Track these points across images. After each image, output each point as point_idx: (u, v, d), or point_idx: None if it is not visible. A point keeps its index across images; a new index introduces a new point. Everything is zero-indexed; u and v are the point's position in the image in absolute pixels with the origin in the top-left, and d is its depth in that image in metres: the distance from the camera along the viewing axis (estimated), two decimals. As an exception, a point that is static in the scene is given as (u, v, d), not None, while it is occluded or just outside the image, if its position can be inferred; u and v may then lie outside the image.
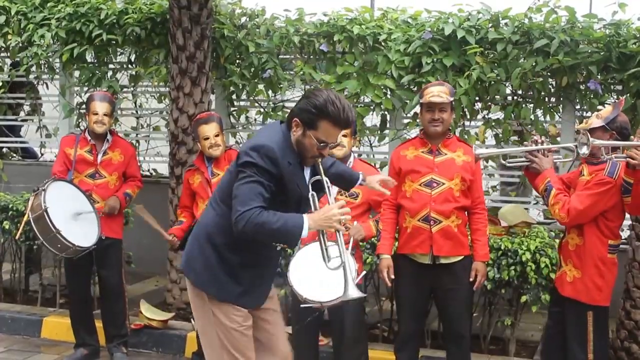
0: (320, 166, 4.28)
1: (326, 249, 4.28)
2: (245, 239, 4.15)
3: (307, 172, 4.35)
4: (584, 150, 4.88)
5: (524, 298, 6.38)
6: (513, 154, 5.50)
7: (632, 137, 5.08)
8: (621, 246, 7.26)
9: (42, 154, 10.29)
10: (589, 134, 4.88)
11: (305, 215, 4.10)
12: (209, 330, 4.43)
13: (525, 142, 5.52)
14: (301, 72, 8.14)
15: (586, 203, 4.93)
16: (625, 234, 8.05)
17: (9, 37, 9.29)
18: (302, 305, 5.20)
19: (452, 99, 5.56)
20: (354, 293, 4.22)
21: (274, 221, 4.02)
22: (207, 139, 6.29)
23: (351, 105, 4.30)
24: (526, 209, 7.58)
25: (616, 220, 5.08)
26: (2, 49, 9.51)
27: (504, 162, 5.52)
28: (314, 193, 4.29)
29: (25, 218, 6.48)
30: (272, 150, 4.09)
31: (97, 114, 6.70)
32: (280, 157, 4.09)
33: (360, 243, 5.97)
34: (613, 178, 4.93)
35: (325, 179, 4.28)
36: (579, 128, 5.40)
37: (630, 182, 4.86)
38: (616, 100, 5.91)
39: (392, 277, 5.66)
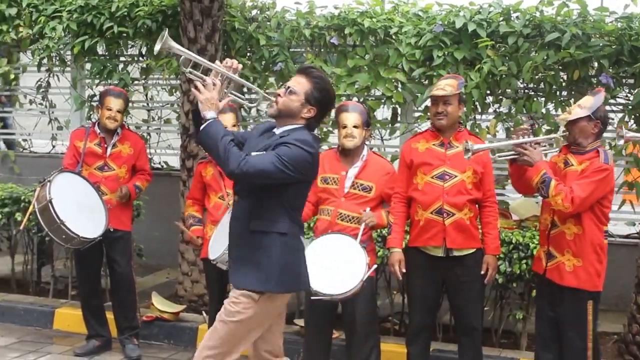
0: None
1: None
2: None
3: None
4: (621, 142, 5.00)
5: (535, 292, 6.38)
6: (504, 147, 5.50)
7: None
8: (631, 240, 7.30)
9: (53, 147, 10.30)
10: (624, 129, 4.96)
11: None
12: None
13: (512, 135, 5.50)
14: (312, 65, 8.13)
15: (588, 191, 4.98)
16: (636, 228, 8.07)
17: (21, 29, 9.30)
18: (312, 298, 5.23)
19: (458, 91, 5.56)
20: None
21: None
22: (225, 128, 6.28)
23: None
24: (537, 202, 7.57)
25: (609, 206, 5.20)
26: (14, 41, 9.52)
27: (494, 156, 5.53)
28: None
29: (30, 208, 6.52)
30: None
31: (110, 109, 6.73)
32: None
33: (372, 234, 5.98)
34: (608, 165, 5.03)
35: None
36: (561, 118, 5.39)
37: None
38: (598, 88, 5.82)
39: (403, 270, 5.68)
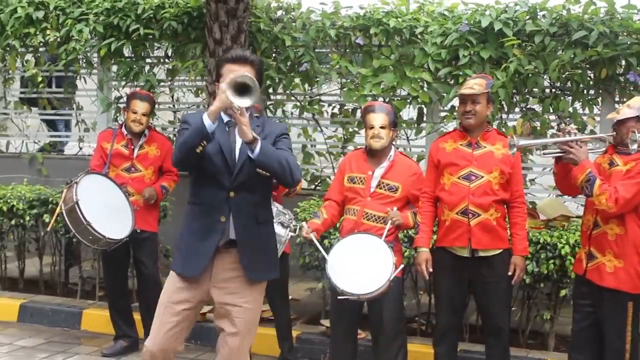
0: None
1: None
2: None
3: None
4: (634, 147, 4.89)
5: (563, 292, 6.34)
6: (551, 144, 5.42)
7: None
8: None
9: (80, 148, 10.37)
10: (637, 132, 4.88)
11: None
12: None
13: (555, 133, 5.44)
14: (337, 66, 8.15)
15: (633, 191, 4.90)
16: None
17: (48, 32, 9.38)
18: (339, 297, 5.22)
19: (486, 90, 5.53)
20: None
21: (184, 136, 4.46)
22: None
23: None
24: (565, 202, 7.52)
25: None
26: (41, 44, 9.60)
27: (539, 154, 5.47)
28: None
29: (57, 210, 6.57)
30: (185, 116, 4.73)
31: (136, 112, 6.77)
32: (190, 118, 4.57)
33: (398, 236, 5.97)
34: None
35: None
36: (608, 118, 5.35)
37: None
38: None
39: (430, 270, 5.66)
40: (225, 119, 4.57)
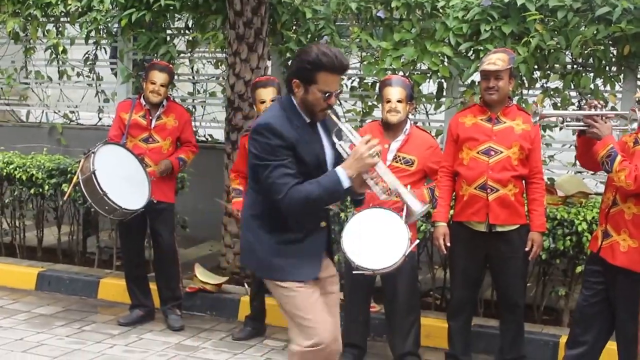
0: (333, 115, 4.25)
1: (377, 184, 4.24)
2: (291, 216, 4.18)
3: (324, 139, 4.32)
4: (634, 126, 4.80)
5: (579, 269, 6.30)
6: (575, 117, 5.33)
7: None
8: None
9: (100, 119, 10.40)
10: (637, 110, 4.79)
11: (337, 168, 4.08)
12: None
13: (584, 106, 5.34)
14: (358, 39, 8.11)
15: None
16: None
17: (69, 2, 9.40)
18: (354, 272, 5.22)
19: (509, 66, 5.48)
20: (418, 207, 4.29)
21: (313, 190, 4.05)
22: (264, 102, 6.31)
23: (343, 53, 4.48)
24: (583, 179, 7.47)
25: None
26: (62, 13, 9.60)
27: (561, 125, 5.39)
28: (340, 143, 4.24)
29: (74, 179, 6.60)
30: (268, 125, 4.11)
31: (154, 83, 6.76)
32: (280, 126, 4.10)
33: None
34: None
35: (344, 125, 4.21)
36: (638, 97, 5.28)
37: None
38: None
39: (448, 244, 5.65)
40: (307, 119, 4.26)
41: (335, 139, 4.27)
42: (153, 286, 7.07)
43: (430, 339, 6.42)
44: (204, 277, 7.34)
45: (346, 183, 4.03)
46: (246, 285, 7.21)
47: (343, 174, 4.03)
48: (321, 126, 4.33)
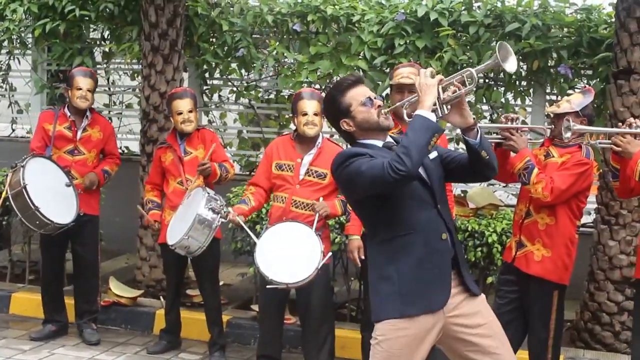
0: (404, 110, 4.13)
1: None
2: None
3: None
4: (567, 135, 4.95)
5: (490, 279, 6.44)
6: (493, 130, 5.42)
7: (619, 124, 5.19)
8: (586, 229, 7.37)
9: (13, 130, 10.22)
10: (571, 120, 4.96)
11: (416, 112, 3.84)
12: None
13: (501, 120, 5.47)
14: (274, 52, 8.15)
15: (568, 182, 5.02)
16: (591, 217, 8.13)
17: (-19, 11, 9.21)
18: (267, 286, 5.24)
19: None
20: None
21: (408, 140, 3.76)
22: (180, 114, 6.29)
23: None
24: (494, 191, 7.63)
25: (585, 201, 5.24)
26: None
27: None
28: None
29: (3, 194, 6.45)
30: (349, 150, 4.03)
31: (81, 89, 6.66)
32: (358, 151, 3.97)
33: (329, 223, 6.02)
34: (589, 160, 5.09)
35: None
36: (548, 111, 5.46)
37: (617, 167, 5.09)
38: (585, 86, 6.00)
39: (362, 257, 5.69)
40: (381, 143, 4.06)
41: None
42: (68, 300, 6.97)
43: (345, 350, 6.46)
44: (118, 290, 7.28)
45: (430, 116, 3.79)
46: (162, 299, 7.16)
47: (421, 111, 3.80)
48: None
